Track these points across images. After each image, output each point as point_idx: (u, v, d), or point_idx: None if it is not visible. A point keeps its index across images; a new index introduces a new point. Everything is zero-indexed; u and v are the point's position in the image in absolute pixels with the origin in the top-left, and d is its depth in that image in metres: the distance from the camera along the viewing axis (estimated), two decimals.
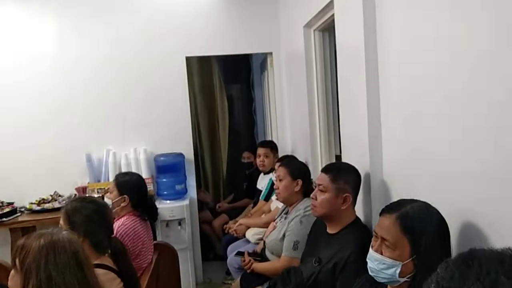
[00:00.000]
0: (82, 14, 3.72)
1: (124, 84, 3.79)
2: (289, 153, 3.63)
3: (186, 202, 3.60)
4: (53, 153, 3.72)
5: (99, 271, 1.54)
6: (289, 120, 3.89)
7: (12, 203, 3.57)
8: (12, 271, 1.34)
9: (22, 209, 3.52)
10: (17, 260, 1.32)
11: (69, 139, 3.74)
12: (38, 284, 1.25)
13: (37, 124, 3.71)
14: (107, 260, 1.74)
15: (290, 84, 3.76)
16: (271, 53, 4.04)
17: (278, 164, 2.97)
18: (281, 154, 3.71)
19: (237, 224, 3.46)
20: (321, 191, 1.90)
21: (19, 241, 1.38)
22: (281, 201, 2.66)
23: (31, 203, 3.54)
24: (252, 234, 3.27)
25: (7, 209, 3.42)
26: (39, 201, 3.56)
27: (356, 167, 1.94)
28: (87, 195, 3.46)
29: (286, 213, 2.57)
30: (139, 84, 3.80)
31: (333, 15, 2.35)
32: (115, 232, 2.15)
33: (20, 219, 3.37)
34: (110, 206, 2.34)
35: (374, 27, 1.82)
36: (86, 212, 1.77)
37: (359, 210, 1.99)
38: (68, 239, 1.36)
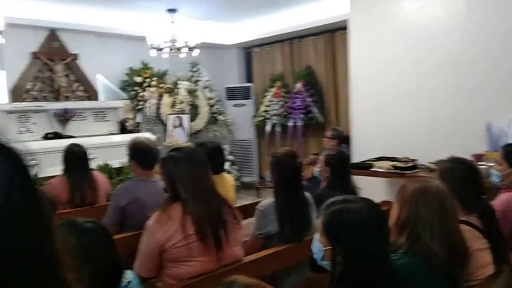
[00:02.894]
0: None
1: None
2: None
3: None
4: (454, 119, 3.99)
5: (464, 227, 1.72)
6: None
7: (415, 160, 4.14)
8: (394, 203, 1.74)
9: (422, 166, 4.02)
10: (398, 195, 1.71)
11: (469, 107, 3.89)
12: (407, 216, 1.59)
13: (440, 91, 4.07)
14: (474, 220, 1.85)
15: None
16: None
17: None
18: None
19: None
20: None
21: (403, 182, 1.77)
22: None
23: (430, 163, 3.96)
24: None
25: (410, 164, 4.00)
26: (437, 162, 3.94)
27: None
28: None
29: None
30: None
31: None
32: (501, 205, 2.19)
33: (418, 174, 3.87)
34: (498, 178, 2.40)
35: None
36: (455, 172, 1.95)
37: None
38: (437, 188, 1.62)
